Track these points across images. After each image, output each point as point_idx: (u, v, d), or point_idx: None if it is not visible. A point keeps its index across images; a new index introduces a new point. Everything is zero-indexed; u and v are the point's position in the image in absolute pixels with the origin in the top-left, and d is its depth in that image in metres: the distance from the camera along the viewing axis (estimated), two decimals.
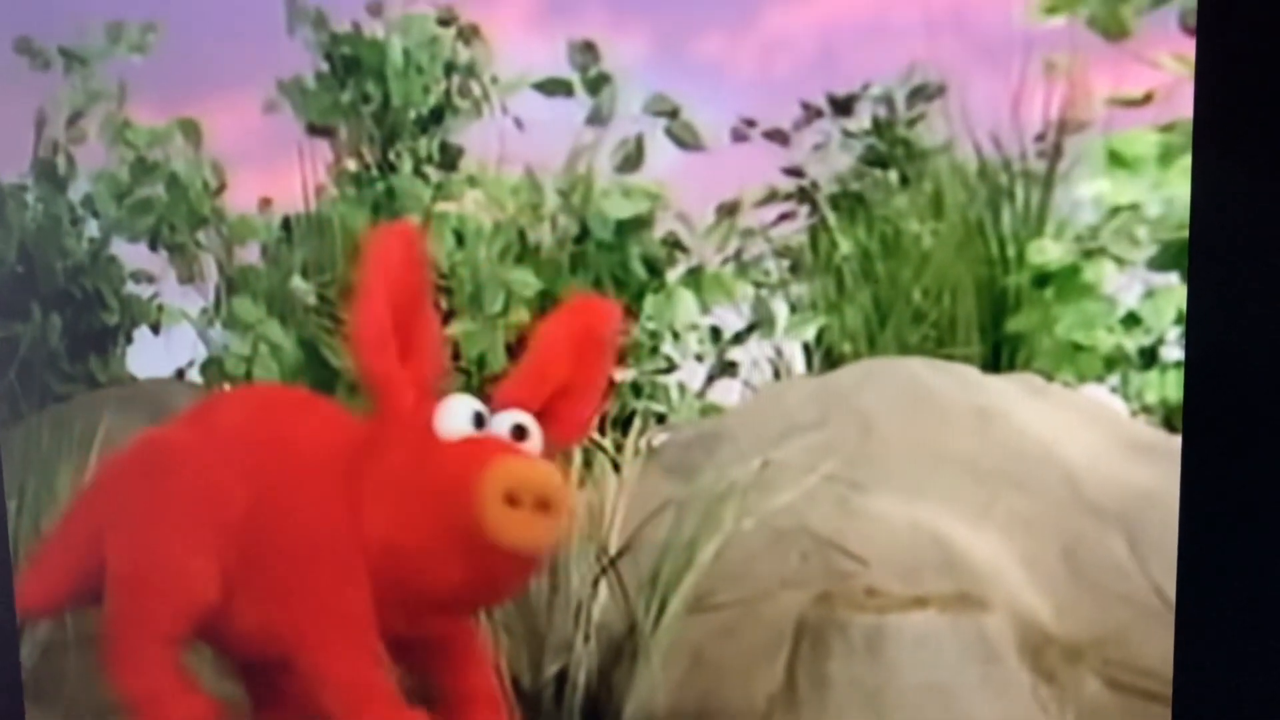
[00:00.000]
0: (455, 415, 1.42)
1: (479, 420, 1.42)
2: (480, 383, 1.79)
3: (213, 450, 1.51)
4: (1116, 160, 1.47)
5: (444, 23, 1.77)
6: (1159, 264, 1.48)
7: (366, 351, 1.43)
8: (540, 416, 1.46)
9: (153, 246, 2.04)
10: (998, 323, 1.55)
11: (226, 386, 2.00)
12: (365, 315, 1.42)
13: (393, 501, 1.42)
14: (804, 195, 1.60)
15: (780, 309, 1.66)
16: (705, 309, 1.70)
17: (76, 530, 1.57)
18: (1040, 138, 1.48)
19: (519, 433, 1.43)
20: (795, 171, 1.61)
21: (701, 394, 1.74)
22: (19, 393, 2.06)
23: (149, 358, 2.07)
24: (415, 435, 1.42)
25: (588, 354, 1.49)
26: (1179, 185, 1.46)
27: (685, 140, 1.67)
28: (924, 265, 1.54)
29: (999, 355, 1.56)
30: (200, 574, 1.48)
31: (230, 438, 1.52)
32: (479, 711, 1.54)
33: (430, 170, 1.80)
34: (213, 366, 2.01)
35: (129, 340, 2.08)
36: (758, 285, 1.66)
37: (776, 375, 1.68)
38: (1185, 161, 1.44)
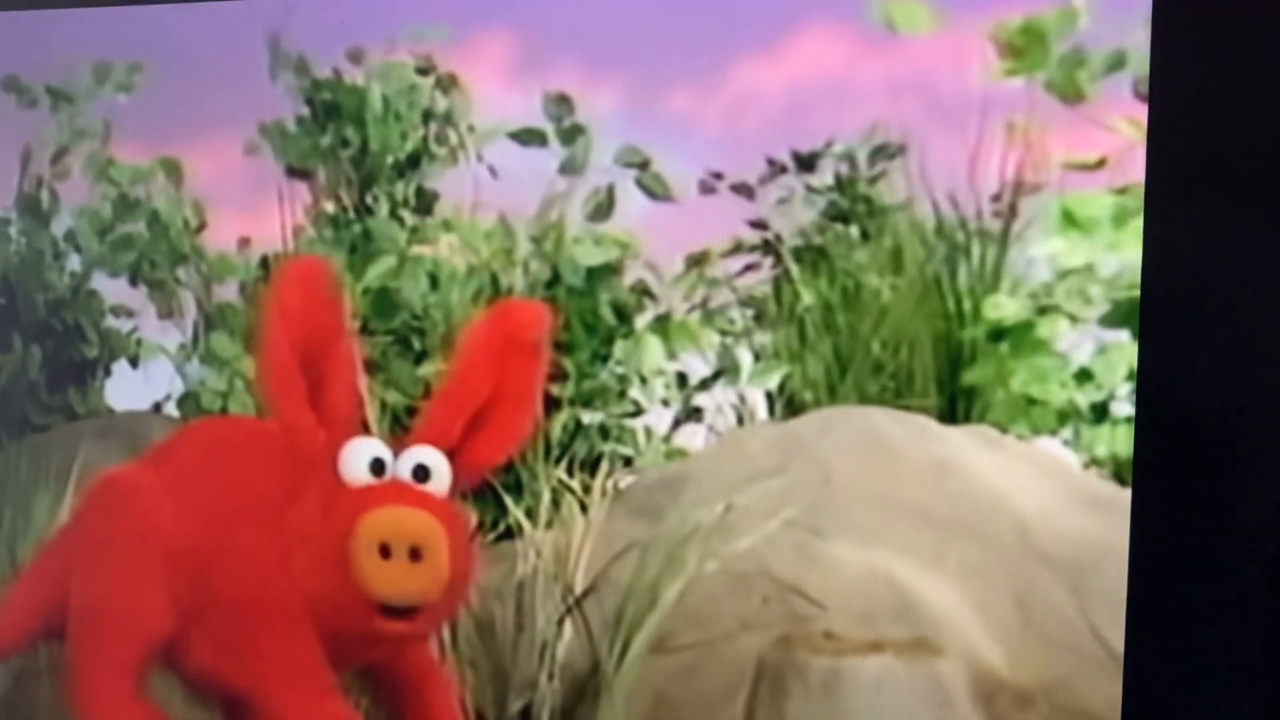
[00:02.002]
0: (354, 462, 1.41)
1: (379, 465, 1.41)
2: None
3: (163, 485, 1.52)
4: (1071, 221, 1.50)
5: (423, 71, 1.79)
6: (1111, 321, 1.52)
7: (272, 395, 1.42)
8: (465, 441, 1.44)
9: (133, 282, 2.04)
10: (954, 375, 1.57)
11: None
12: (268, 358, 1.41)
13: (305, 549, 1.41)
14: (768, 247, 1.63)
15: (745, 357, 1.68)
16: (672, 355, 1.72)
17: (46, 571, 1.59)
18: (996, 198, 1.52)
19: (421, 474, 1.42)
20: (760, 224, 1.64)
21: (667, 438, 1.76)
22: None
23: (127, 391, 2.06)
24: (323, 480, 1.41)
25: (515, 361, 1.46)
26: (1131, 246, 1.50)
27: (655, 191, 1.69)
28: (883, 318, 1.57)
29: (955, 407, 1.59)
30: (152, 604, 1.48)
31: (181, 473, 1.53)
32: None
33: (406, 214, 1.82)
34: (189, 401, 2.01)
35: (108, 373, 2.08)
36: (723, 333, 1.68)
37: (740, 421, 1.70)
38: (1137, 223, 1.47)
